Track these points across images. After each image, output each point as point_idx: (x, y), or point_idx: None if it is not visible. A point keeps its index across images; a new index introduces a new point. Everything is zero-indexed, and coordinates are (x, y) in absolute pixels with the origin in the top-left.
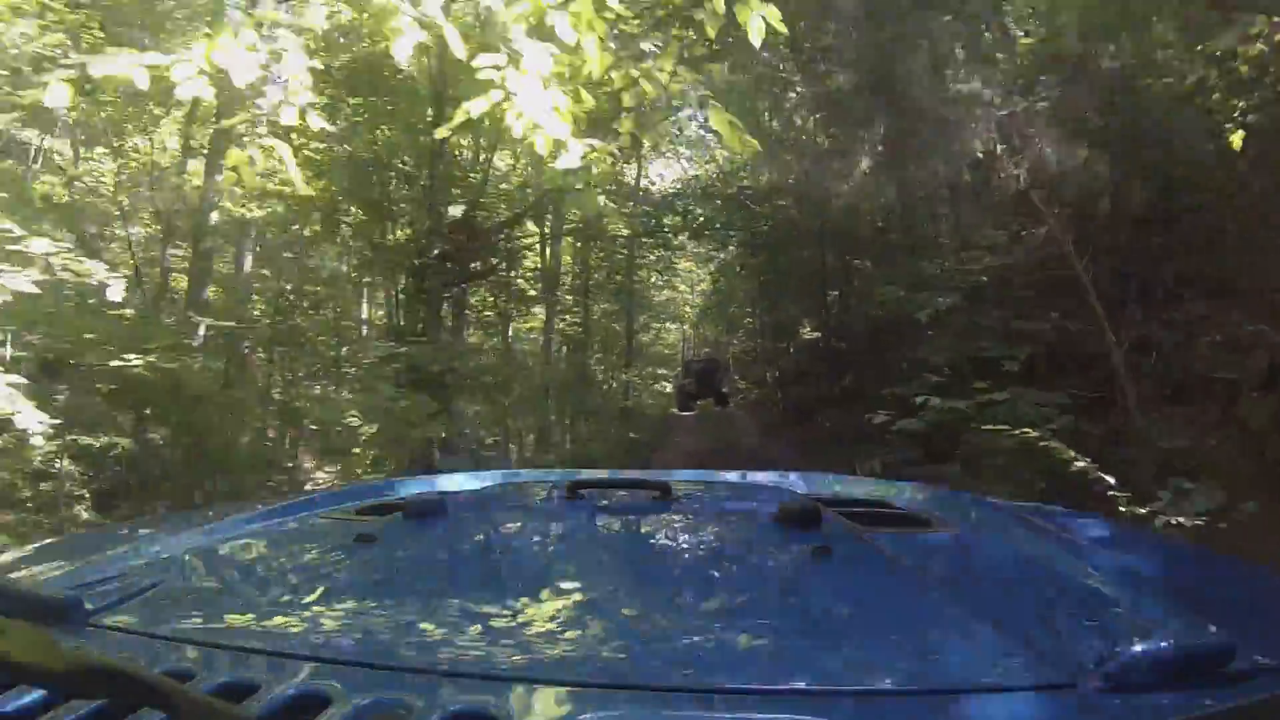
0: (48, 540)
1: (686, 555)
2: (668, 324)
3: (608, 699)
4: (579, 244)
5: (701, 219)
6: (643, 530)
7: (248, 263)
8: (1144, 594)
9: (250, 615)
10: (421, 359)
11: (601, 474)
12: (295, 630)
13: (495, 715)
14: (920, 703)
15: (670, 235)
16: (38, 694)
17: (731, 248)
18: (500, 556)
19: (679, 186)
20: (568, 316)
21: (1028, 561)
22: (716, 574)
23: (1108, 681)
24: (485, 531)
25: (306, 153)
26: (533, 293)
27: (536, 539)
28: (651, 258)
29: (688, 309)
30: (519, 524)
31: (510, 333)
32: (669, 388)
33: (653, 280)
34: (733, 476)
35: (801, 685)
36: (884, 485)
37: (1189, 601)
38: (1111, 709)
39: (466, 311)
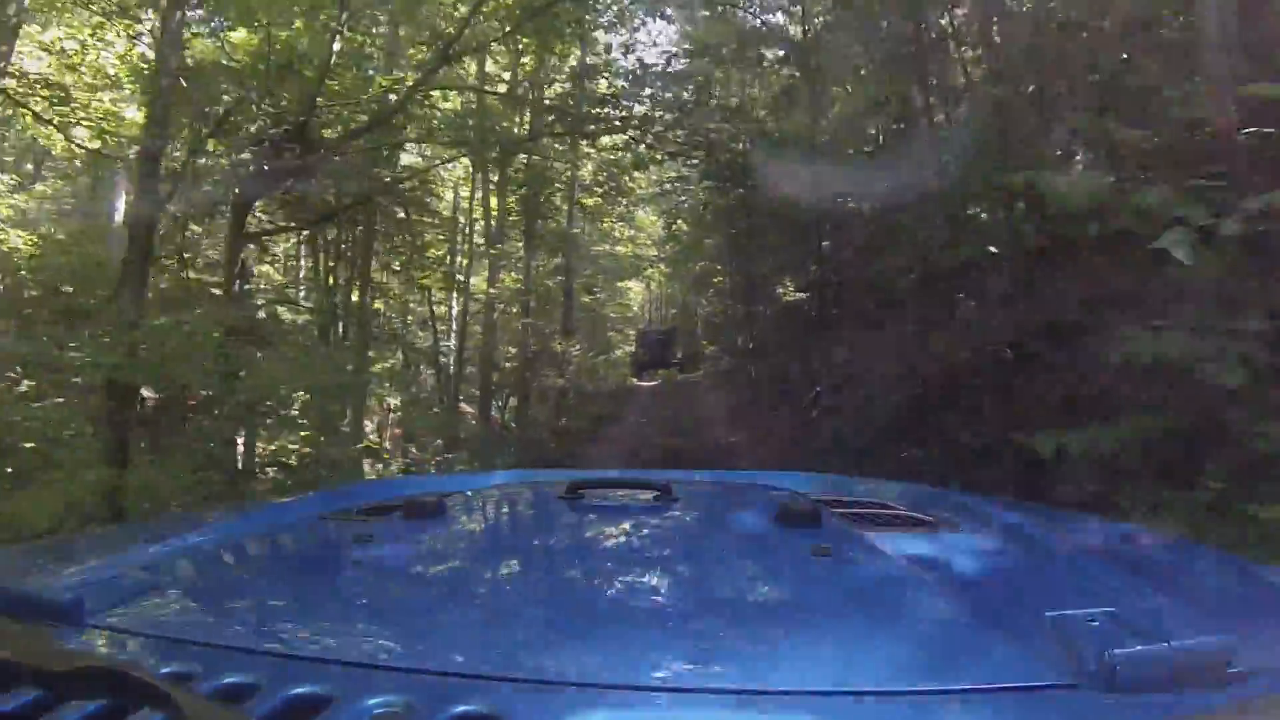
0: (48, 540)
1: (686, 555)
2: (629, 283)
3: (607, 699)
4: (519, 188)
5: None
6: (642, 530)
7: (119, 211)
8: (1144, 594)
9: (250, 615)
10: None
11: (601, 474)
12: (295, 631)
13: (495, 715)
14: (921, 703)
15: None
16: (38, 694)
17: (693, 188)
18: (499, 557)
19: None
20: (505, 278)
21: (1028, 561)
22: (717, 574)
23: (1108, 681)
24: (484, 532)
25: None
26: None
27: (535, 539)
28: (601, 196)
29: (651, 269)
30: (518, 524)
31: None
32: (623, 351)
33: (611, 231)
34: (733, 476)
35: (802, 685)
36: (884, 485)
37: (1189, 601)
38: (1111, 709)
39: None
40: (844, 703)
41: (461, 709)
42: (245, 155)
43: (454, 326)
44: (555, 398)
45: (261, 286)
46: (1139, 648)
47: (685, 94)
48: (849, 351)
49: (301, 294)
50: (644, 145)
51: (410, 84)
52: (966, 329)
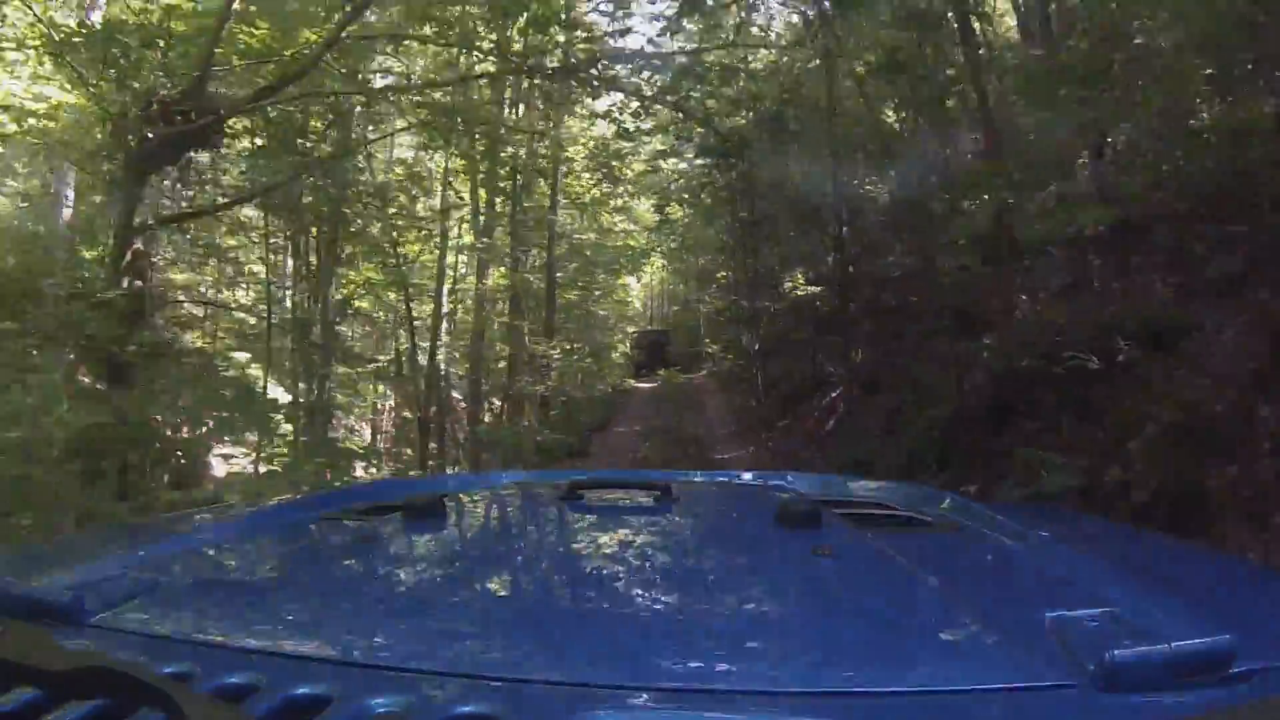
0: (48, 540)
1: (686, 555)
2: (626, 279)
3: (608, 699)
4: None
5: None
6: (642, 531)
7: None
8: (1144, 594)
9: (250, 615)
10: None
11: (602, 474)
12: (295, 631)
13: (495, 715)
14: (920, 703)
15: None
16: (37, 694)
17: (686, 164)
18: (499, 557)
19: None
20: (495, 273)
21: (1028, 561)
22: (716, 574)
23: (1108, 681)
24: (484, 532)
25: None
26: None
27: (535, 539)
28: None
29: (647, 261)
30: (518, 524)
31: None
32: (619, 353)
33: (611, 226)
34: (733, 476)
35: (801, 686)
36: (884, 486)
37: (1189, 601)
38: (1111, 709)
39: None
40: (844, 703)
41: (461, 709)
42: (126, 118)
43: (445, 327)
44: (536, 407)
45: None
46: (1139, 648)
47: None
48: (873, 353)
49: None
50: (629, 113)
51: (333, 29)
52: (1026, 329)
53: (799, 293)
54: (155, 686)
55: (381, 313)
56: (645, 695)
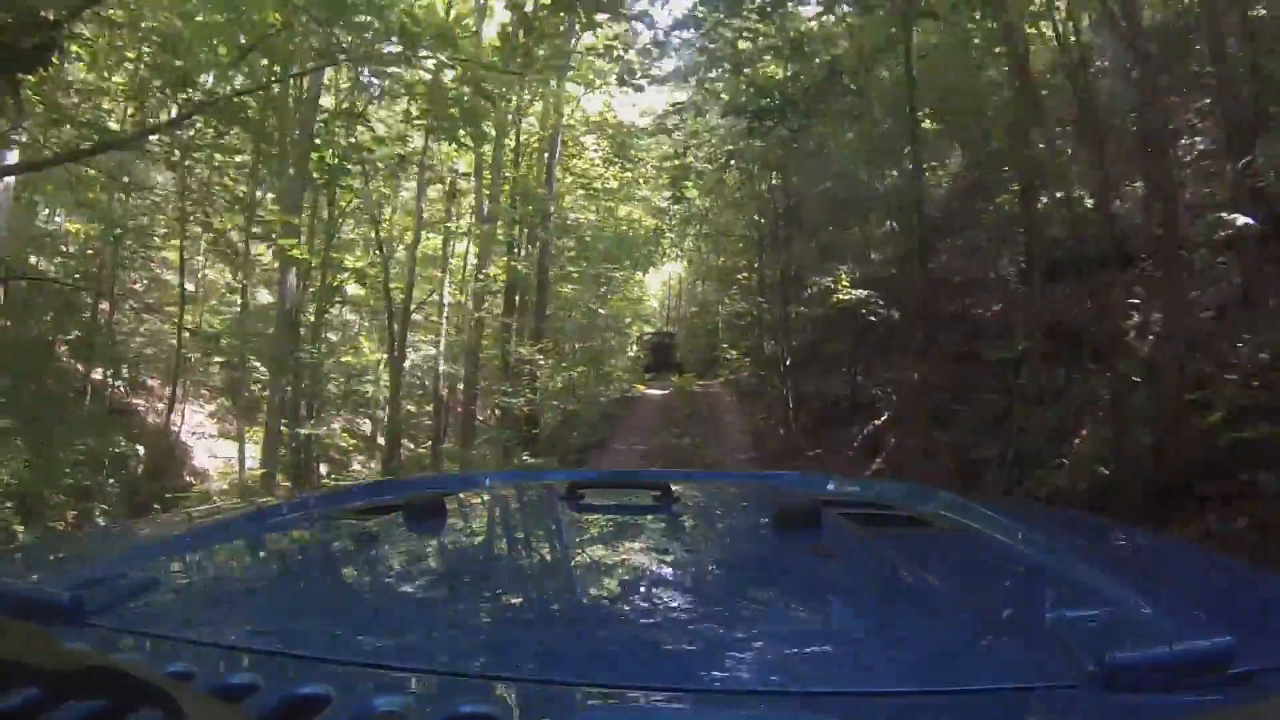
0: (48, 540)
1: (686, 555)
2: (639, 275)
3: (608, 699)
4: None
5: None
6: (642, 530)
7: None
8: (1144, 594)
9: (250, 615)
10: None
11: (602, 474)
12: (295, 630)
13: (495, 715)
14: (920, 703)
15: None
16: (37, 694)
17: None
18: (499, 557)
19: None
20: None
21: (1028, 561)
22: (716, 574)
23: (1108, 681)
24: (485, 532)
25: None
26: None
27: (536, 539)
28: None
29: (663, 255)
30: (518, 524)
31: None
32: (629, 357)
33: (629, 214)
34: (733, 476)
35: (801, 686)
36: (884, 486)
37: (1189, 601)
38: (1111, 709)
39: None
40: (844, 703)
41: (461, 709)
42: None
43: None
44: (521, 423)
45: None
46: (1139, 648)
47: None
48: (938, 378)
49: None
50: (636, 52)
51: None
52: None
53: (842, 296)
54: (155, 686)
55: (373, 301)
56: (645, 695)
